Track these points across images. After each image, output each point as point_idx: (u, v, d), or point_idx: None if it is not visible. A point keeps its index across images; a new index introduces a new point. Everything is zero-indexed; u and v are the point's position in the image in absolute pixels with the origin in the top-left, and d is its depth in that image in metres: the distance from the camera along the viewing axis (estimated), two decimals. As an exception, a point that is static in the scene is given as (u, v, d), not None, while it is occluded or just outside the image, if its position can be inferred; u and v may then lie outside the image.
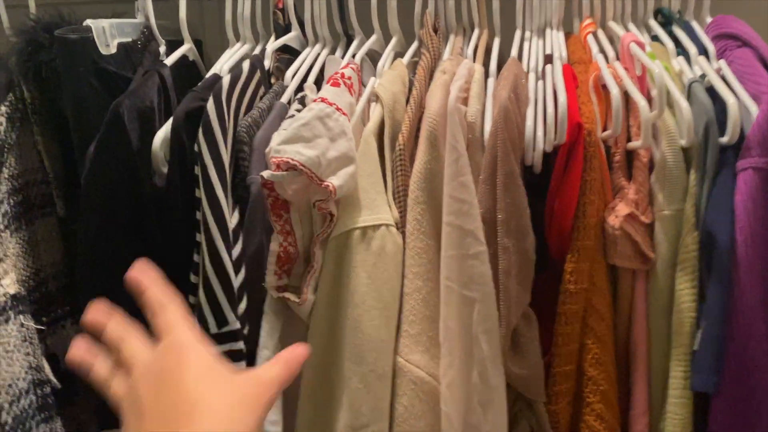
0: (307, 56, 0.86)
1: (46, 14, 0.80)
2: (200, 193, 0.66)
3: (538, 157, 0.69)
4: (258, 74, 0.76)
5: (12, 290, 0.70)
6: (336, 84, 0.71)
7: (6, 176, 0.75)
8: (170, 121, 0.71)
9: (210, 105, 0.65)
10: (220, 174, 0.65)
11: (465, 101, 0.70)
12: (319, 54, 0.87)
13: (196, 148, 0.66)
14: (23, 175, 0.79)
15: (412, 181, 0.68)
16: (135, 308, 0.67)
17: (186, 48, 0.87)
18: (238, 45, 0.88)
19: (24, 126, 0.80)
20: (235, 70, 0.72)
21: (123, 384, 0.41)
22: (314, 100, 0.68)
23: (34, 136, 0.81)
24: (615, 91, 0.66)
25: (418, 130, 0.73)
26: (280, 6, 0.88)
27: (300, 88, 0.81)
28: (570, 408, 0.71)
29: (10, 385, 0.68)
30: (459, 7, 0.87)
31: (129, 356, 0.42)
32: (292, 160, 0.64)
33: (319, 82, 0.84)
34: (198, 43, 0.97)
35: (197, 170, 0.66)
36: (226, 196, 0.65)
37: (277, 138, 0.69)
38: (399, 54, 0.87)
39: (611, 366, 0.71)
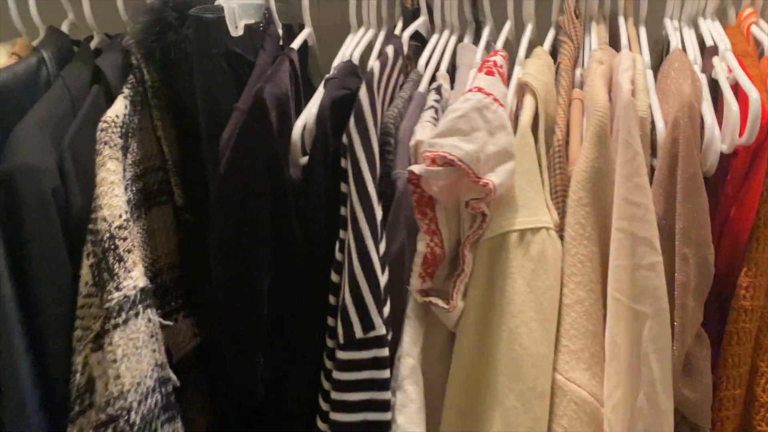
0: (437, 43, 0.80)
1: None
2: (347, 187, 0.61)
3: (714, 160, 0.62)
4: (400, 61, 0.71)
5: (141, 283, 0.66)
6: (490, 73, 0.65)
7: (129, 162, 0.72)
8: (309, 109, 0.66)
9: (363, 94, 0.60)
10: (372, 168, 0.60)
11: (632, 94, 0.64)
12: (447, 41, 0.81)
13: (344, 139, 0.61)
14: (143, 162, 0.76)
15: (574, 181, 0.62)
16: (275, 308, 0.63)
17: (307, 33, 0.83)
18: (362, 30, 0.83)
19: (144, 110, 0.77)
20: (382, 56, 0.67)
21: None
22: (468, 90, 0.63)
23: (154, 120, 0.78)
24: (819, 88, 0.59)
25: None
26: (409, -11, 0.82)
27: (433, 77, 0.76)
28: (738, 437, 0.64)
29: (138, 384, 0.64)
30: (602, -7, 0.80)
31: None
32: (450, 154, 0.58)
33: (450, 71, 0.79)
34: (300, 28, 0.93)
35: (345, 163, 0.61)
36: (378, 191, 0.60)
37: (428, 131, 0.64)
38: (533, 42, 0.81)
39: (785, 392, 0.64)
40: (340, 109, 0.64)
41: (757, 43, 0.74)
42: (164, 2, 0.72)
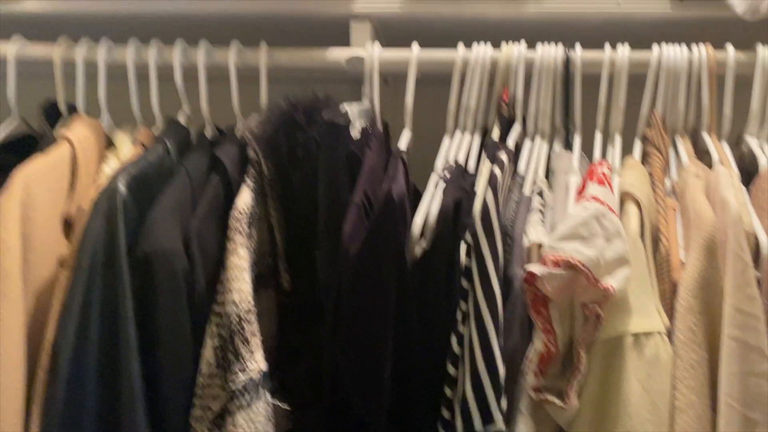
0: (532, 150, 0.86)
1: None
2: (470, 285, 0.65)
3: (817, 276, 0.66)
4: (511, 166, 0.76)
5: (263, 366, 0.69)
6: (602, 183, 0.70)
7: (252, 248, 0.76)
8: (428, 207, 0.72)
9: (490, 198, 0.65)
10: (497, 267, 0.64)
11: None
12: (540, 147, 0.87)
13: (469, 238, 0.65)
14: (258, 249, 0.80)
15: (683, 288, 0.66)
16: (392, 395, 0.66)
17: (408, 135, 0.89)
18: (458, 133, 0.89)
19: (261, 200, 0.82)
20: (499, 163, 0.73)
21: None
22: (586, 198, 0.68)
23: (268, 210, 0.83)
24: None
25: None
26: (506, 99, 0.89)
27: (533, 180, 0.81)
28: None
29: (257, 468, 0.66)
30: (687, 108, 0.86)
31: None
32: (573, 258, 0.63)
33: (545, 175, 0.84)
34: (386, 126, 1.00)
35: (468, 261, 0.65)
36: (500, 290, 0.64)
37: (541, 233, 0.68)
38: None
39: None
40: (460, 208, 0.69)
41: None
42: (294, 105, 0.78)
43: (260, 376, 0.68)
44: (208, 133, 0.93)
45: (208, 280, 0.74)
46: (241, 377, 0.67)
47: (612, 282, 0.63)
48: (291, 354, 0.85)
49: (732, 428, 0.62)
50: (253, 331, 0.70)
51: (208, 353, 0.70)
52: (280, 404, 0.72)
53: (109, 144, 0.91)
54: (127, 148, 0.89)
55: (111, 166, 0.86)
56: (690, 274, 0.66)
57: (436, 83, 0.90)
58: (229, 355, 0.68)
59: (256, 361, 0.68)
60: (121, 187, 0.73)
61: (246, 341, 0.69)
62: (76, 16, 1.01)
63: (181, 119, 0.95)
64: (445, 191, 0.72)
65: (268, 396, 0.69)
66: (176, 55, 0.93)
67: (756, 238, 0.67)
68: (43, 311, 0.71)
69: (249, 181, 0.79)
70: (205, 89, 0.93)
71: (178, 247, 0.72)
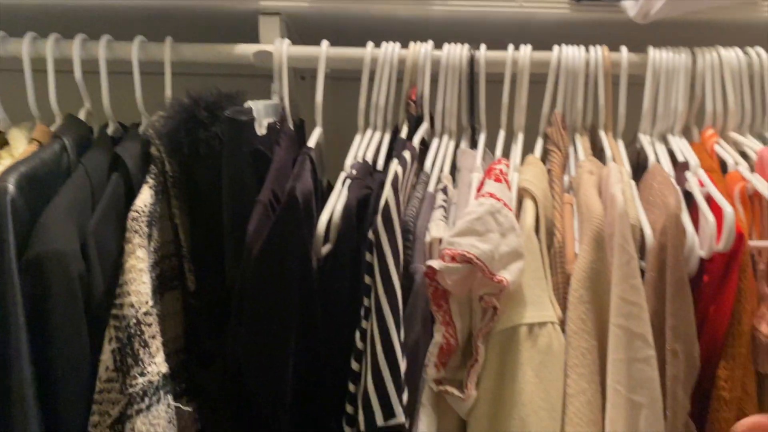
0: (438, 147, 0.88)
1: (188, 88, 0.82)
2: (372, 280, 0.66)
3: (695, 264, 0.71)
4: (415, 165, 0.77)
5: (164, 369, 0.68)
6: (498, 180, 0.73)
7: (151, 249, 0.75)
8: (333, 205, 0.72)
9: (390, 195, 0.66)
10: (396, 263, 0.65)
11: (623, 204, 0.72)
12: (447, 145, 0.89)
13: (371, 235, 0.66)
14: (161, 249, 0.79)
15: (574, 279, 0.69)
16: (296, 393, 0.66)
17: (319, 132, 0.89)
18: (369, 132, 0.90)
19: (163, 198, 0.80)
20: (401, 161, 0.74)
21: None
22: (481, 195, 0.70)
23: (172, 209, 0.81)
24: (781, 205, 0.68)
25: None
26: (414, 98, 0.90)
27: (438, 178, 0.83)
28: None
29: (157, 471, 0.65)
30: (585, 108, 0.90)
31: None
32: (468, 253, 0.64)
33: (451, 172, 0.86)
34: (301, 122, 1.00)
35: (370, 258, 0.66)
36: (400, 285, 0.65)
37: (442, 229, 0.70)
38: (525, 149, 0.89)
39: (761, 478, 0.70)
40: (364, 205, 0.70)
41: (720, 160, 0.84)
42: (196, 101, 0.77)
43: (160, 378, 0.67)
44: (111, 130, 0.90)
45: (107, 283, 0.72)
46: (140, 380, 0.66)
47: (506, 275, 0.65)
48: (202, 357, 0.84)
49: (618, 411, 0.65)
50: (152, 333, 0.68)
51: (106, 357, 0.68)
52: (182, 407, 0.70)
53: (4, 143, 0.87)
54: (22, 147, 0.85)
55: (4, 165, 0.81)
56: (580, 266, 0.69)
57: (356, 80, 0.90)
58: (127, 359, 0.66)
59: (155, 364, 0.67)
60: (10, 186, 0.69)
61: (145, 344, 0.67)
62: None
63: (82, 116, 0.92)
64: (350, 189, 0.72)
65: (170, 399, 0.68)
66: (75, 48, 0.90)
67: (642, 231, 0.71)
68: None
69: (150, 180, 0.77)
70: (107, 84, 0.90)
71: (74, 249, 0.70)
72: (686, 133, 0.92)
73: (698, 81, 0.89)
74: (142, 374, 0.66)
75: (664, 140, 0.90)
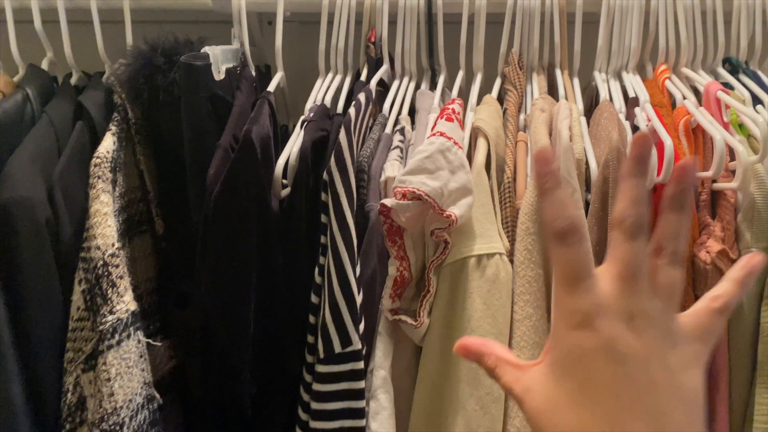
0: (398, 89, 0.89)
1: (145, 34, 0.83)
2: (328, 218, 0.68)
3: (637, 194, 0.74)
4: (370, 107, 0.79)
5: (132, 307, 0.71)
6: (450, 119, 0.75)
7: (117, 195, 0.77)
8: (290, 148, 0.74)
9: (342, 136, 0.68)
10: (350, 202, 0.68)
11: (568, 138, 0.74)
12: (407, 87, 0.91)
13: (325, 176, 0.69)
14: (127, 194, 0.81)
15: (522, 213, 0.72)
16: (259, 328, 0.70)
17: (279, 76, 0.90)
18: (330, 75, 0.91)
19: (128, 145, 0.82)
20: (356, 103, 0.76)
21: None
22: (432, 134, 0.72)
23: (137, 155, 0.83)
24: (719, 136, 0.71)
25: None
26: (372, 40, 0.91)
27: (396, 119, 0.85)
28: None
29: (130, 401, 0.69)
30: (542, 47, 0.92)
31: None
32: (418, 190, 0.67)
33: (410, 114, 0.88)
34: (266, 68, 1.01)
35: (326, 197, 0.69)
36: (354, 222, 0.68)
37: (396, 169, 0.72)
38: (482, 89, 0.91)
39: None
40: (317, 148, 0.72)
41: (671, 95, 0.86)
42: (153, 48, 0.78)
43: (129, 316, 0.71)
44: (74, 79, 0.91)
45: (75, 228, 0.75)
46: (110, 318, 0.69)
47: (455, 210, 0.68)
48: (178, 298, 0.88)
49: (561, 334, 0.69)
50: (120, 274, 0.71)
51: (77, 297, 0.71)
52: (153, 343, 0.74)
53: (-33, 93, 0.88)
54: (-15, 97, 0.86)
55: (-32, 116, 0.83)
56: (527, 199, 0.72)
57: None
58: (96, 299, 0.70)
59: (124, 302, 0.70)
60: (-28, 136, 0.71)
61: (113, 284, 0.70)
62: None
63: (45, 65, 0.92)
64: (306, 131, 0.74)
65: (140, 335, 0.72)
66: (34, -2, 0.90)
67: (587, 165, 0.74)
68: None
69: (113, 127, 0.79)
70: (67, 33, 0.90)
71: (40, 196, 0.72)
72: (641, 69, 0.94)
73: (652, 17, 0.91)
74: (111, 312, 0.69)
75: (618, 77, 0.92)
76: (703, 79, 0.86)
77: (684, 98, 0.83)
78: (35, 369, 0.70)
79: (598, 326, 0.35)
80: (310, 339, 0.71)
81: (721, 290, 0.39)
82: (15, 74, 0.91)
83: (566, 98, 0.84)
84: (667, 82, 0.87)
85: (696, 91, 0.87)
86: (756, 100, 0.84)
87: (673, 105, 0.86)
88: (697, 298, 0.75)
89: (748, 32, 0.91)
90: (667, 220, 0.39)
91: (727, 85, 0.89)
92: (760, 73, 0.90)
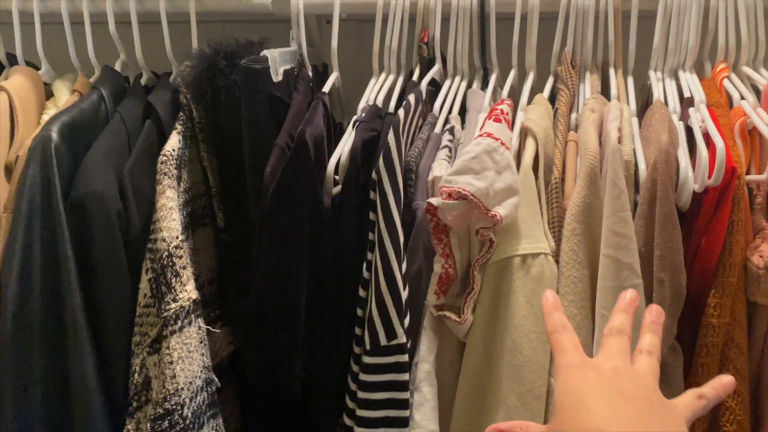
0: (449, 89, 0.91)
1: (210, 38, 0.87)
2: (376, 216, 0.71)
3: (687, 198, 0.73)
4: (420, 107, 0.82)
5: (194, 295, 0.76)
6: (498, 120, 0.76)
7: (181, 190, 0.82)
8: (342, 148, 0.77)
9: (391, 138, 0.71)
10: (397, 200, 0.70)
11: (619, 140, 0.75)
12: (459, 86, 0.92)
13: (374, 175, 0.72)
14: (191, 189, 0.86)
15: (569, 214, 0.73)
16: (310, 318, 0.73)
17: (335, 76, 0.93)
18: (383, 75, 0.94)
19: (192, 143, 0.87)
20: (406, 104, 0.78)
21: None
22: (479, 135, 0.74)
23: (200, 153, 0.88)
24: (773, 139, 0.70)
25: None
26: (425, 40, 0.93)
27: (446, 119, 0.87)
28: (707, 436, 0.75)
29: (190, 383, 0.74)
30: (596, 46, 0.91)
31: None
32: (464, 190, 0.69)
33: (461, 113, 0.90)
34: (324, 67, 1.04)
35: (374, 196, 0.72)
36: (402, 220, 0.71)
37: (444, 168, 0.75)
38: (534, 89, 0.92)
39: (747, 397, 0.75)
40: (368, 147, 0.75)
41: (729, 95, 0.85)
42: (216, 51, 0.82)
43: (191, 304, 0.76)
44: (144, 79, 0.97)
45: (144, 220, 0.80)
46: (173, 306, 0.74)
47: (500, 210, 0.70)
48: (238, 287, 0.93)
49: (605, 335, 0.70)
50: (183, 264, 0.76)
51: (144, 285, 0.76)
52: (212, 330, 0.79)
53: (51, 94, 0.95)
54: (65, 97, 0.93)
55: (50, 114, 0.90)
56: (574, 200, 0.73)
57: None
58: (162, 287, 0.75)
59: (186, 291, 0.75)
60: (53, 134, 0.77)
61: (177, 274, 0.75)
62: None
63: (118, 66, 0.99)
64: (357, 132, 0.77)
65: (201, 322, 0.77)
66: (109, 2, 0.96)
67: (636, 166, 0.74)
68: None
69: (178, 126, 0.84)
70: (138, 35, 0.96)
71: (112, 190, 0.77)
72: (699, 68, 0.92)
73: (711, 14, 0.89)
74: (174, 300, 0.74)
75: (675, 76, 0.90)
76: (763, 79, 0.84)
77: (742, 98, 0.81)
78: (107, 350, 0.76)
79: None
80: (358, 331, 0.74)
81: (707, 392, 0.48)
82: (91, 75, 0.98)
83: (618, 98, 0.84)
84: (725, 81, 0.86)
85: (758, 91, 0.85)
86: (820, 100, 0.82)
87: (731, 105, 0.84)
88: (749, 303, 0.75)
89: (815, 29, 0.88)
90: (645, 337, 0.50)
91: (790, 84, 0.86)
92: (827, 72, 0.87)
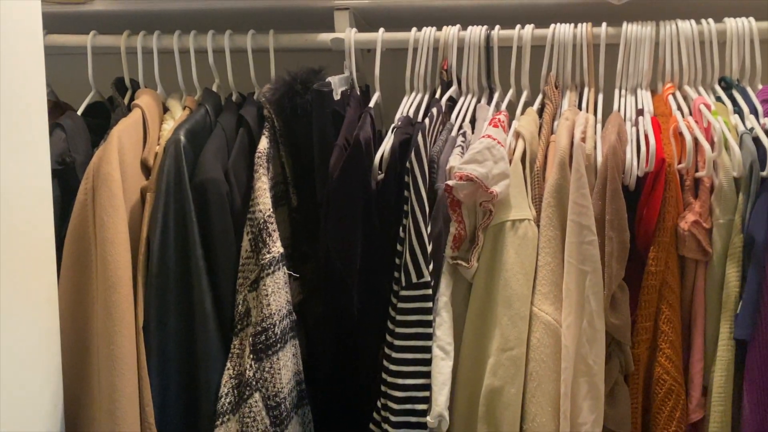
0: (463, 104, 1.22)
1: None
2: (409, 193, 1.02)
3: (633, 179, 1.03)
4: (441, 117, 1.13)
5: (281, 250, 1.08)
6: (495, 125, 1.06)
7: (269, 177, 1.14)
8: (384, 146, 1.09)
9: (419, 139, 1.02)
10: (424, 182, 1.01)
11: (583, 140, 1.04)
12: (470, 102, 1.23)
13: (407, 165, 1.02)
14: (274, 178, 1.18)
15: (546, 192, 1.03)
16: (363, 262, 1.05)
17: (377, 95, 1.25)
18: (413, 94, 1.25)
19: (274, 145, 1.19)
20: (430, 115, 1.10)
21: None
22: (482, 136, 1.04)
23: (280, 152, 1.20)
24: (689, 138, 0.99)
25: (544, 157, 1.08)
26: (445, 67, 1.24)
27: (460, 126, 1.18)
28: (647, 351, 1.03)
29: (279, 310, 1.05)
30: (574, 70, 1.21)
31: None
32: (471, 174, 0.99)
33: (472, 123, 1.20)
34: (367, 87, 1.36)
35: (407, 179, 1.03)
36: (427, 196, 1.01)
37: (457, 160, 1.05)
38: (527, 103, 1.22)
39: (678, 325, 1.03)
40: (403, 146, 1.06)
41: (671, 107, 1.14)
42: (293, 77, 1.14)
43: (279, 256, 1.07)
44: (234, 98, 1.30)
45: (242, 199, 1.12)
46: (267, 256, 1.06)
47: (497, 188, 1.00)
48: (302, 255, 1.24)
49: (571, 277, 0.99)
50: (273, 228, 1.08)
51: (245, 244, 1.08)
52: (293, 274, 1.11)
53: (166, 110, 1.28)
54: (179, 112, 1.25)
55: (169, 124, 1.22)
56: (550, 182, 1.02)
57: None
58: (259, 244, 1.06)
59: (276, 247, 1.07)
60: (182, 137, 1.10)
61: (269, 234, 1.07)
62: (129, 13, 1.36)
63: (214, 88, 1.31)
64: (394, 135, 1.08)
65: (285, 269, 1.08)
66: (208, 40, 1.29)
67: (595, 158, 1.04)
68: (135, 219, 1.09)
69: (266, 133, 1.16)
70: (230, 66, 1.29)
71: (222, 177, 1.09)
72: (655, 87, 1.21)
73: (660, 46, 1.18)
74: (269, 252, 1.06)
75: (634, 93, 1.20)
76: (695, 95, 1.13)
77: (678, 109, 1.10)
78: (219, 289, 1.08)
79: None
80: (396, 275, 1.04)
81: None
82: (194, 95, 1.31)
83: (587, 110, 1.14)
84: (670, 97, 1.15)
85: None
86: (738, 111, 1.10)
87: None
88: (680, 258, 1.04)
89: (740, 56, 1.16)
90: None
91: (719, 99, 1.15)
92: (749, 89, 1.15)
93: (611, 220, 0.99)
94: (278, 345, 1.05)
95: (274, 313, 1.05)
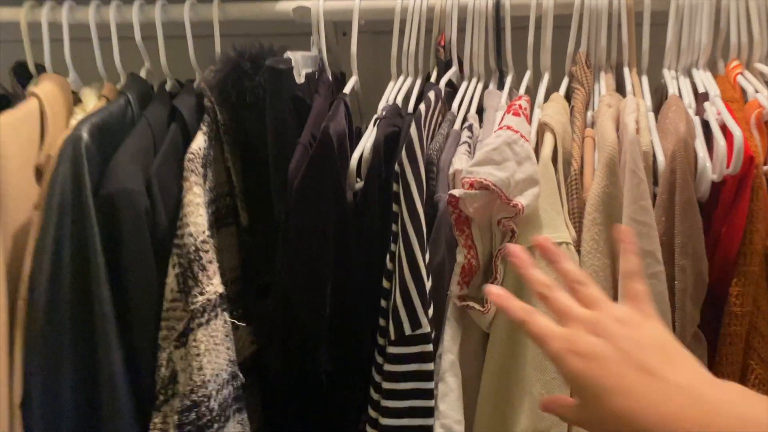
0: (466, 90, 0.93)
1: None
2: (399, 207, 0.73)
3: (707, 187, 0.74)
4: (440, 104, 0.83)
5: (220, 289, 0.77)
6: (517, 114, 0.78)
7: (207, 188, 0.84)
8: (364, 143, 0.79)
9: (413, 130, 0.72)
10: (420, 191, 0.72)
11: (637, 132, 0.76)
12: (475, 87, 0.94)
13: (397, 167, 0.73)
14: (215, 189, 0.88)
15: (588, 204, 0.74)
16: (334, 309, 0.74)
17: (354, 79, 0.96)
18: (401, 78, 0.96)
19: (216, 144, 0.89)
20: (426, 100, 0.80)
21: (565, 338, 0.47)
22: (500, 128, 0.75)
23: (224, 153, 0.90)
24: (789, 127, 0.71)
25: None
26: (443, 43, 0.96)
27: (465, 117, 0.89)
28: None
29: (217, 375, 0.75)
30: (609, 46, 0.93)
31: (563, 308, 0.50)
32: (485, 180, 0.70)
33: (478, 112, 0.91)
34: (342, 75, 1.07)
35: (396, 187, 0.73)
36: (424, 212, 0.72)
37: (464, 162, 0.76)
38: (549, 89, 0.93)
39: (774, 387, 0.75)
40: (390, 143, 0.77)
41: (743, 91, 0.86)
42: (240, 53, 0.85)
43: (217, 297, 0.77)
44: (168, 86, 1.00)
45: (170, 218, 0.82)
46: (200, 299, 0.75)
47: (521, 200, 0.71)
48: (260, 288, 0.94)
49: (628, 323, 0.71)
50: (209, 259, 0.78)
51: (171, 280, 0.78)
52: (237, 323, 0.80)
53: (78, 101, 0.98)
54: (92, 103, 0.95)
55: (78, 119, 0.92)
56: (594, 191, 0.74)
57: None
58: (189, 281, 0.76)
59: (213, 285, 0.77)
60: (84, 134, 0.80)
61: (203, 268, 0.77)
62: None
63: (143, 74, 1.01)
64: (378, 128, 0.79)
65: (226, 316, 0.78)
66: (135, 13, 0.99)
67: (654, 157, 0.75)
68: (20, 249, 0.79)
69: (203, 128, 0.86)
70: (163, 44, 0.99)
71: (140, 188, 0.79)
72: (712, 66, 0.94)
73: (723, 14, 0.90)
74: (201, 293, 0.76)
75: (688, 74, 0.92)
76: (775, 74, 0.86)
77: (756, 92, 0.83)
78: (134, 344, 0.78)
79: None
80: (382, 322, 0.75)
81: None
82: (117, 82, 1.01)
83: (633, 94, 0.85)
84: (739, 78, 0.87)
85: (770, 86, 0.86)
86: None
87: (746, 100, 0.85)
88: (771, 290, 0.76)
89: (827, 25, 0.89)
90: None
91: (803, 79, 0.88)
92: (839, 67, 0.88)
93: (684, 244, 0.70)
94: (215, 425, 0.74)
95: (209, 381, 0.74)
